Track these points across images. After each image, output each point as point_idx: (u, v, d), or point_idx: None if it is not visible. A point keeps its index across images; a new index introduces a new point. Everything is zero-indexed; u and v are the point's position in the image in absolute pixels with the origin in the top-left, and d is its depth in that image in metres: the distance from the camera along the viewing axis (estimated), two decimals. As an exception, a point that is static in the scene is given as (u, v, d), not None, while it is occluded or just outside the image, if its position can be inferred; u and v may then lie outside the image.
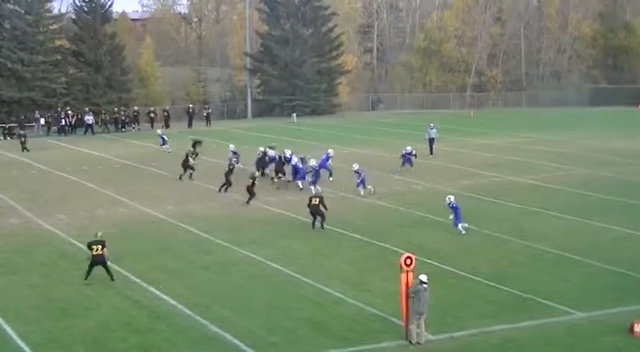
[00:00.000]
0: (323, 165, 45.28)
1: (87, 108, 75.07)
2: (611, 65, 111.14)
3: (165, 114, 78.60)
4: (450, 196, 35.01)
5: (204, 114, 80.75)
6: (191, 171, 46.91)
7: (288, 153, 45.95)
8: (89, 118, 73.06)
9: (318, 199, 35.11)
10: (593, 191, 43.42)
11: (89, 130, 72.64)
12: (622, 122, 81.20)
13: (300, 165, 44.14)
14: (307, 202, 35.39)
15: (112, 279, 27.49)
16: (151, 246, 32.85)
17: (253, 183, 40.08)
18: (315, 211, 34.99)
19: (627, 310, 24.61)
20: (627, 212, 38.50)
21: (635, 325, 22.67)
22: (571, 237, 33.86)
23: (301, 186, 42.81)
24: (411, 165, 48.19)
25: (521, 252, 31.67)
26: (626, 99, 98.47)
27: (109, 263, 27.63)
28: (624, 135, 68.26)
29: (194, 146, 51.03)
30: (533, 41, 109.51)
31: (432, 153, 53.90)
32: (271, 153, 47.28)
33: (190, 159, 47.12)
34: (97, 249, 27.43)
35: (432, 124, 55.95)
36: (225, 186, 42.94)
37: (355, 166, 42.66)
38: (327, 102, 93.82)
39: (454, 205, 34.38)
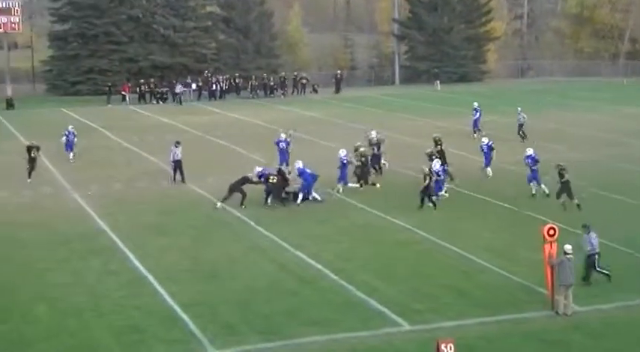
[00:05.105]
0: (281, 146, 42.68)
1: (174, 80, 76.10)
2: None
3: (304, 81, 79.81)
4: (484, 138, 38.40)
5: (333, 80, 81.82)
6: None
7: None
8: (180, 87, 73.56)
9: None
10: None
11: (177, 99, 72.48)
12: None
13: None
14: None
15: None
16: (296, 210, 33.35)
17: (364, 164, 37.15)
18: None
19: None
20: None
21: None
22: None
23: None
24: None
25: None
26: None
27: None
28: None
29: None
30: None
31: (522, 139, 50.73)
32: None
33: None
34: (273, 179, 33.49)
35: (519, 108, 53.00)
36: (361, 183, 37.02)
37: (485, 140, 40.16)
38: (475, 69, 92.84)
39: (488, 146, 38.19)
